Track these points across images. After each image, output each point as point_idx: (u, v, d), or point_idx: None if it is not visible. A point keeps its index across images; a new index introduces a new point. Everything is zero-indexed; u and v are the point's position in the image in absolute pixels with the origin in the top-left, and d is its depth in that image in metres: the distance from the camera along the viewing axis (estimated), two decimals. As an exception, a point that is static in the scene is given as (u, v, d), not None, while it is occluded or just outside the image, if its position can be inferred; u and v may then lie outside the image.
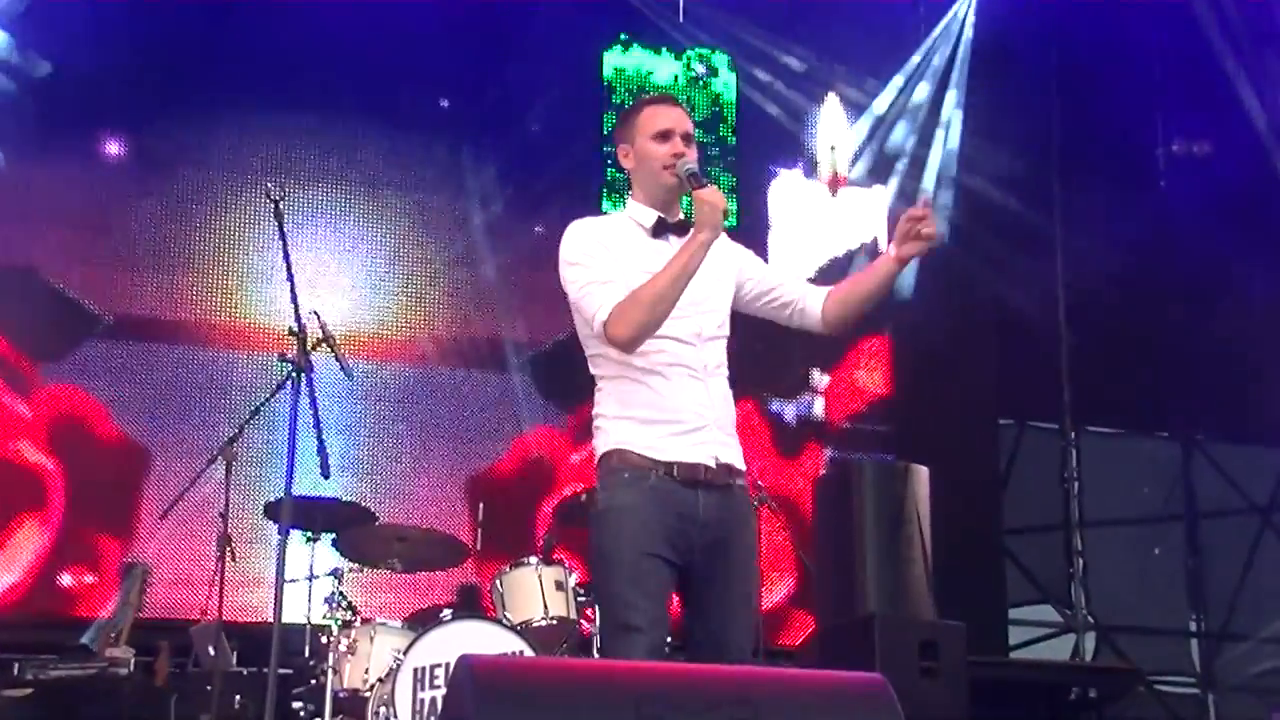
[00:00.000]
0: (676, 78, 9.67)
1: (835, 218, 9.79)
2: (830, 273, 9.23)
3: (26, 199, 8.25)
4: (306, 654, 6.08)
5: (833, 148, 9.89)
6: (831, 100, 9.95)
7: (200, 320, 8.44)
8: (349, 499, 6.86)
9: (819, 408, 9.57)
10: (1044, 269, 10.28)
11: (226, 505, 6.15)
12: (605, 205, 9.03)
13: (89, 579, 7.96)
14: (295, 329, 5.07)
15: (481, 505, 7.01)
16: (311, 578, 6.20)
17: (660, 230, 3.94)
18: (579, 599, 6.09)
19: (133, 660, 6.36)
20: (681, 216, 3.96)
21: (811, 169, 9.88)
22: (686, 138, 3.95)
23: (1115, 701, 9.62)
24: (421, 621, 5.90)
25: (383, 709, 5.51)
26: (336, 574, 6.14)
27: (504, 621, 5.88)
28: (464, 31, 8.97)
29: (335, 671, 5.74)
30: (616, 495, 3.78)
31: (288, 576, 5.12)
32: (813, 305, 4.08)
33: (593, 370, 3.94)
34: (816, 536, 7.72)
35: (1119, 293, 10.13)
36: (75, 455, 8.04)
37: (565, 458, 8.79)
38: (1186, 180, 10.42)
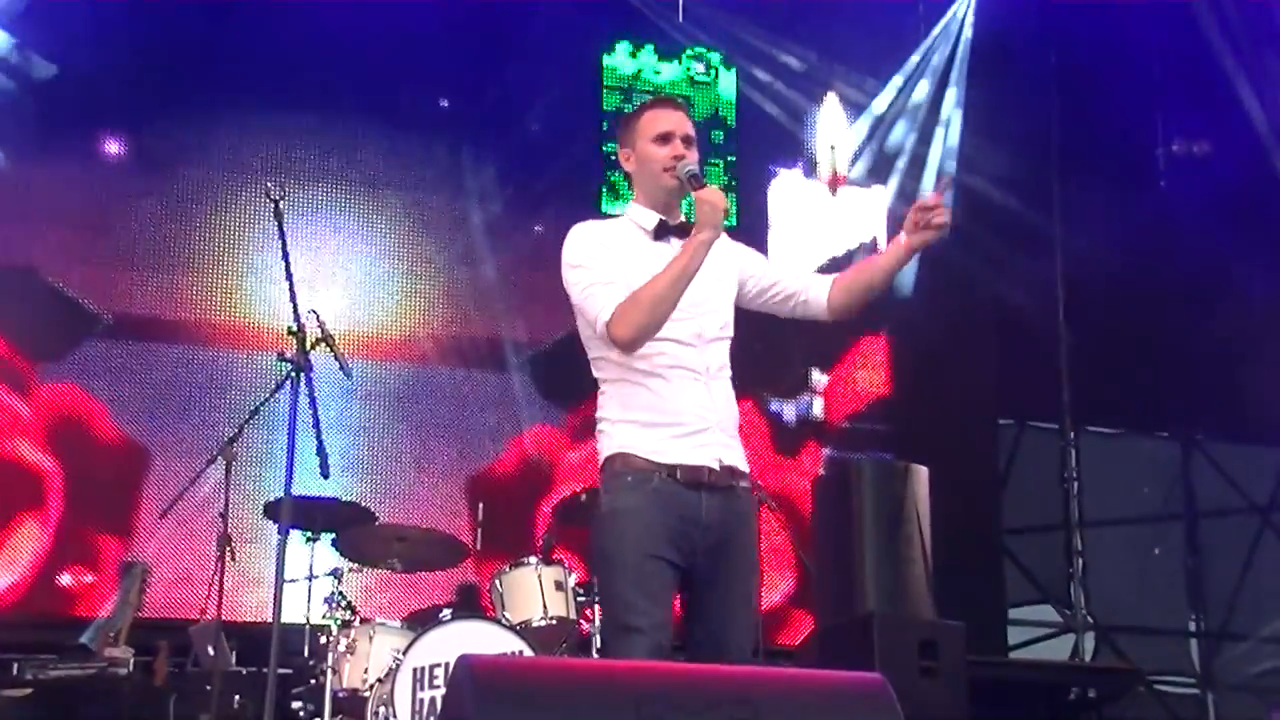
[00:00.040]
0: (676, 77, 9.67)
1: (835, 217, 9.80)
2: (830, 272, 9.20)
3: (26, 199, 8.25)
4: (306, 654, 6.07)
5: (832, 147, 9.90)
6: (831, 100, 9.95)
7: (200, 320, 8.44)
8: (348, 499, 6.85)
9: (818, 407, 9.57)
10: (1043, 268, 10.28)
11: (226, 505, 6.15)
12: (605, 205, 9.03)
13: (88, 578, 7.96)
14: (294, 328, 5.06)
15: (481, 505, 7.02)
16: (311, 577, 6.19)
17: (662, 233, 3.94)
18: (578, 599, 6.09)
19: (132, 660, 6.36)
20: (683, 219, 3.97)
21: (811, 169, 9.88)
22: (687, 140, 3.96)
23: (1115, 701, 9.62)
24: (421, 621, 5.89)
25: (382, 709, 5.50)
26: (336, 574, 6.14)
27: (503, 621, 5.88)
28: (464, 31, 8.97)
29: (335, 671, 5.74)
30: (620, 498, 3.78)
31: (287, 576, 5.12)
32: (817, 294, 4.08)
33: (595, 374, 3.95)
34: (816, 536, 7.72)
35: (1118, 292, 10.14)
36: (75, 455, 8.04)
37: (564, 457, 8.79)
38: (1186, 180, 10.42)
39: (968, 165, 9.97)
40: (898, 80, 10.15)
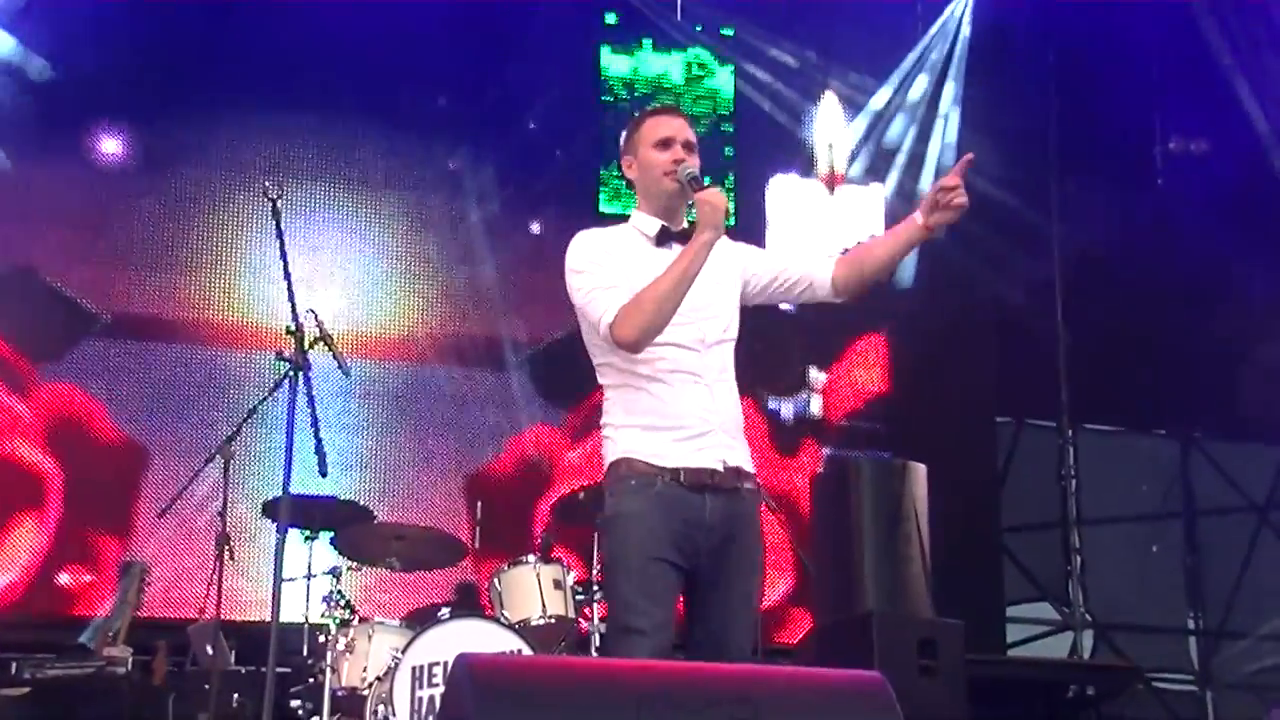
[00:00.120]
0: (675, 77, 9.67)
1: (833, 215, 9.79)
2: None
3: (26, 199, 8.25)
4: (305, 653, 6.08)
5: (830, 145, 9.90)
6: (829, 98, 9.95)
7: (198, 319, 8.44)
8: (347, 498, 6.86)
9: (817, 406, 9.57)
10: (1042, 266, 10.28)
11: (224, 504, 6.14)
12: (603, 205, 9.05)
13: (87, 578, 7.97)
14: (293, 327, 5.06)
15: (480, 504, 7.02)
16: (309, 576, 6.20)
17: (664, 238, 3.95)
18: (577, 597, 6.09)
19: (131, 659, 6.36)
20: (686, 225, 3.97)
21: (809, 167, 9.88)
22: (688, 146, 3.97)
23: (1113, 699, 9.62)
24: (419, 620, 5.90)
25: (381, 707, 5.51)
26: (335, 573, 6.15)
27: (502, 620, 5.88)
28: (463, 31, 8.97)
29: (333, 670, 5.74)
30: (623, 502, 3.80)
31: (286, 575, 5.13)
32: (822, 277, 4.06)
33: (600, 380, 3.96)
34: (814, 534, 7.72)
35: (1117, 290, 10.14)
36: (73, 454, 8.05)
37: (563, 456, 8.79)
38: (1185, 179, 10.42)
39: (966, 164, 9.95)
40: (895, 78, 10.15)
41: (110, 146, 8.51)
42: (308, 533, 6.25)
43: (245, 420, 6.10)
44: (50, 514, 7.94)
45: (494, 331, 8.87)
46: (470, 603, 7.33)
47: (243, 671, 6.61)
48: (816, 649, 7.06)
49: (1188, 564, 10.57)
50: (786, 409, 9.46)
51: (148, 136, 8.52)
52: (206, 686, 6.18)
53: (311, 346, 5.11)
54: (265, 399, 5.79)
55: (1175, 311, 10.19)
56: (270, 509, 6.17)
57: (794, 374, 9.48)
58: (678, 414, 3.82)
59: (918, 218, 3.97)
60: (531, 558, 6.14)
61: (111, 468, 8.12)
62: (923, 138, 10.09)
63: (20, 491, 7.94)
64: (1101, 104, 10.29)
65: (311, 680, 5.90)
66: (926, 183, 9.76)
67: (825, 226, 9.72)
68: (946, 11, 10.29)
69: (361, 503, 6.71)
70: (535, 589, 6.03)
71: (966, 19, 10.22)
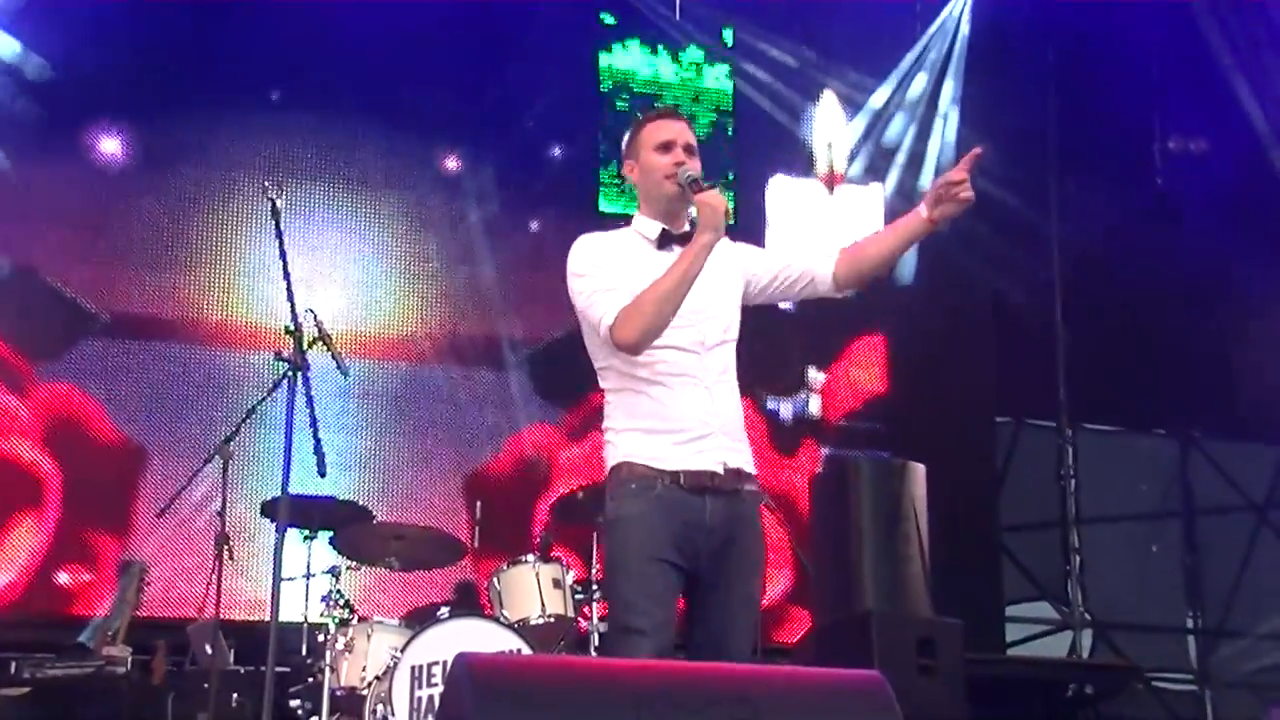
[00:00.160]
0: (674, 76, 9.67)
1: (832, 215, 9.79)
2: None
3: (26, 198, 8.25)
4: (304, 652, 6.09)
5: (830, 145, 9.90)
6: (828, 97, 9.95)
7: (197, 319, 8.44)
8: (346, 497, 6.86)
9: (815, 405, 9.57)
10: (1041, 266, 10.28)
11: (223, 504, 6.14)
12: (602, 205, 9.04)
13: (86, 577, 7.96)
14: (292, 327, 5.06)
15: (479, 503, 7.01)
16: (309, 576, 6.21)
17: (665, 242, 3.96)
18: (576, 597, 6.10)
19: (130, 659, 6.36)
20: (687, 227, 3.97)
21: (809, 166, 9.88)
22: (688, 149, 3.98)
23: (1112, 698, 9.63)
24: (419, 619, 5.90)
25: (380, 707, 5.51)
26: (334, 572, 6.15)
27: (501, 619, 5.89)
28: (463, 31, 8.97)
29: (333, 670, 5.75)
30: (624, 506, 3.81)
31: (285, 575, 5.13)
32: (823, 271, 4.07)
33: (601, 384, 3.97)
34: (813, 534, 7.72)
35: (1116, 290, 10.14)
36: (72, 454, 8.04)
37: (562, 456, 8.79)
38: (1184, 178, 10.42)
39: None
40: (895, 77, 10.15)
41: (110, 146, 8.50)
42: (307, 532, 6.26)
43: (244, 420, 6.10)
44: (49, 514, 7.94)
45: (493, 331, 8.86)
46: (469, 602, 7.33)
47: (242, 671, 6.61)
48: (815, 648, 7.06)
49: (1187, 563, 10.57)
50: (785, 409, 9.46)
51: (147, 136, 8.51)
52: (206, 686, 6.17)
53: (310, 346, 5.11)
54: (264, 399, 5.79)
55: (1175, 311, 10.20)
56: (269, 509, 6.17)
57: (793, 374, 9.47)
58: (678, 417, 3.83)
59: (922, 211, 3.98)
60: (530, 557, 6.14)
61: (110, 467, 8.12)
62: (922, 137, 10.09)
63: (19, 491, 7.93)
64: (1101, 103, 10.29)
65: (311, 680, 5.91)
66: (926, 182, 9.75)
67: (825, 226, 9.72)
68: (946, 10, 10.29)
69: (360, 502, 6.72)
70: (534, 588, 6.03)
71: (965, 18, 10.22)
